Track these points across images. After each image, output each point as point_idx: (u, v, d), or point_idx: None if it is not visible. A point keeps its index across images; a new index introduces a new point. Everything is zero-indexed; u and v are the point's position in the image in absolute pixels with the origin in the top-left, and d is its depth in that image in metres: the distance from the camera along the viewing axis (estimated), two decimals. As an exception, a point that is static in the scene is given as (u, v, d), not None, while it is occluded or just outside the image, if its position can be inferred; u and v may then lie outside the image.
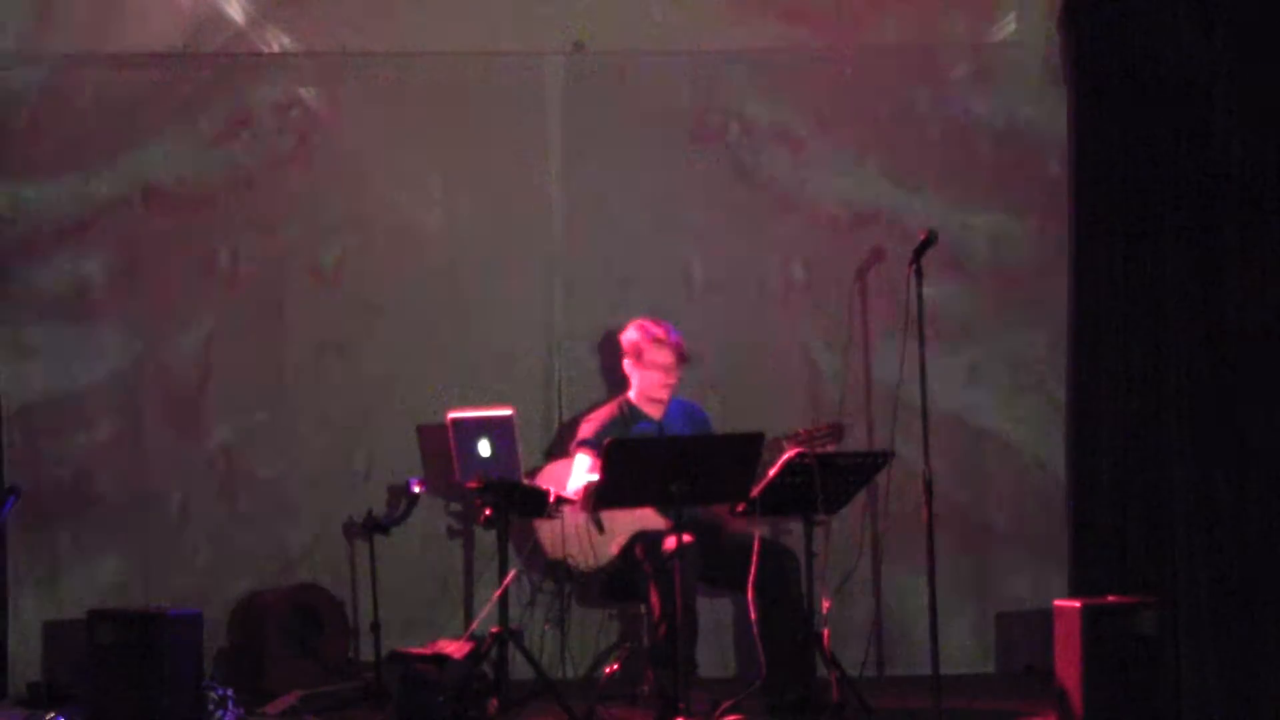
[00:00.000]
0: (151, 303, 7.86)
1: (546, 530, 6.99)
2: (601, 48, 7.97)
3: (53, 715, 6.63)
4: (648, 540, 6.87)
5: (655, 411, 7.24)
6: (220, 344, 7.88)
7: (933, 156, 7.98)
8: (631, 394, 7.28)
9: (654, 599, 6.78)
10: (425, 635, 7.40)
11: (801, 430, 6.89)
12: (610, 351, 7.68)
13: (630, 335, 7.24)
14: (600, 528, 6.98)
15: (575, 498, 6.87)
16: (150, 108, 7.86)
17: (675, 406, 7.30)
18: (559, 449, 7.61)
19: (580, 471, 7.02)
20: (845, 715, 6.64)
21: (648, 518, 6.93)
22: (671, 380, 7.20)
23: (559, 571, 7.15)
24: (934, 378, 6.86)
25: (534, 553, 7.18)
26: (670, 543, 6.49)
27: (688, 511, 6.45)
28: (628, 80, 7.98)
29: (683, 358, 7.20)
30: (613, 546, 6.99)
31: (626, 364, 7.26)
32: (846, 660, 6.92)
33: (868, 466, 6.77)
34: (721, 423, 7.40)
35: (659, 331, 7.19)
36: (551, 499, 6.78)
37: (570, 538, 6.92)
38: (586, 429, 7.22)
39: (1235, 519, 7.51)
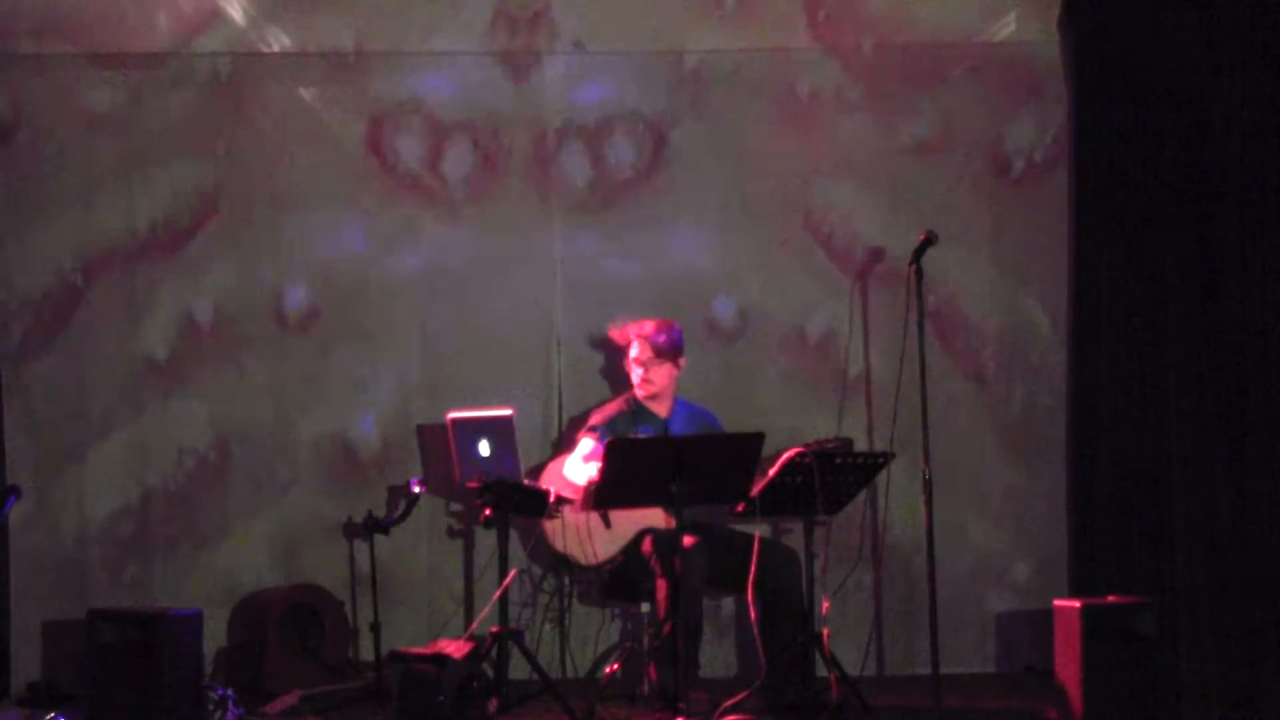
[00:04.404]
0: (151, 301, 7.85)
1: (550, 524, 6.98)
2: (601, 48, 7.97)
3: (53, 715, 6.63)
4: (655, 537, 6.88)
5: (660, 409, 7.23)
6: (220, 340, 7.88)
7: (932, 156, 7.98)
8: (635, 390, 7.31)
9: (659, 596, 6.78)
10: (425, 635, 7.41)
11: (812, 442, 6.86)
12: (610, 351, 7.67)
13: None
14: (607, 522, 6.97)
15: (573, 495, 6.87)
16: (150, 108, 7.86)
17: (684, 409, 7.28)
18: (561, 448, 7.61)
19: (579, 455, 7.03)
20: (845, 715, 6.65)
21: (654, 515, 6.93)
22: (648, 376, 7.17)
23: (563, 565, 7.16)
24: (933, 377, 6.87)
25: (539, 544, 7.19)
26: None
27: (688, 512, 6.46)
28: (627, 80, 7.98)
29: (660, 354, 7.16)
30: (617, 543, 6.99)
31: None
32: (846, 660, 6.93)
33: (868, 466, 6.77)
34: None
35: (632, 327, 7.20)
36: (551, 499, 6.78)
37: (571, 534, 6.92)
38: (595, 418, 7.26)
39: (1235, 519, 7.51)
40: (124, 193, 7.85)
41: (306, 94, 7.94)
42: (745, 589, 6.65)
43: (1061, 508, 7.85)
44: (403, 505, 7.46)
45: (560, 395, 7.91)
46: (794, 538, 7.12)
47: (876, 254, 7.86)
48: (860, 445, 7.60)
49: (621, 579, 7.08)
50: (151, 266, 7.86)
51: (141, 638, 6.57)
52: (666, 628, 6.69)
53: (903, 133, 7.99)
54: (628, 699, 7.02)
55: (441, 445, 7.23)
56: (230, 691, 6.77)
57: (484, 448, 6.87)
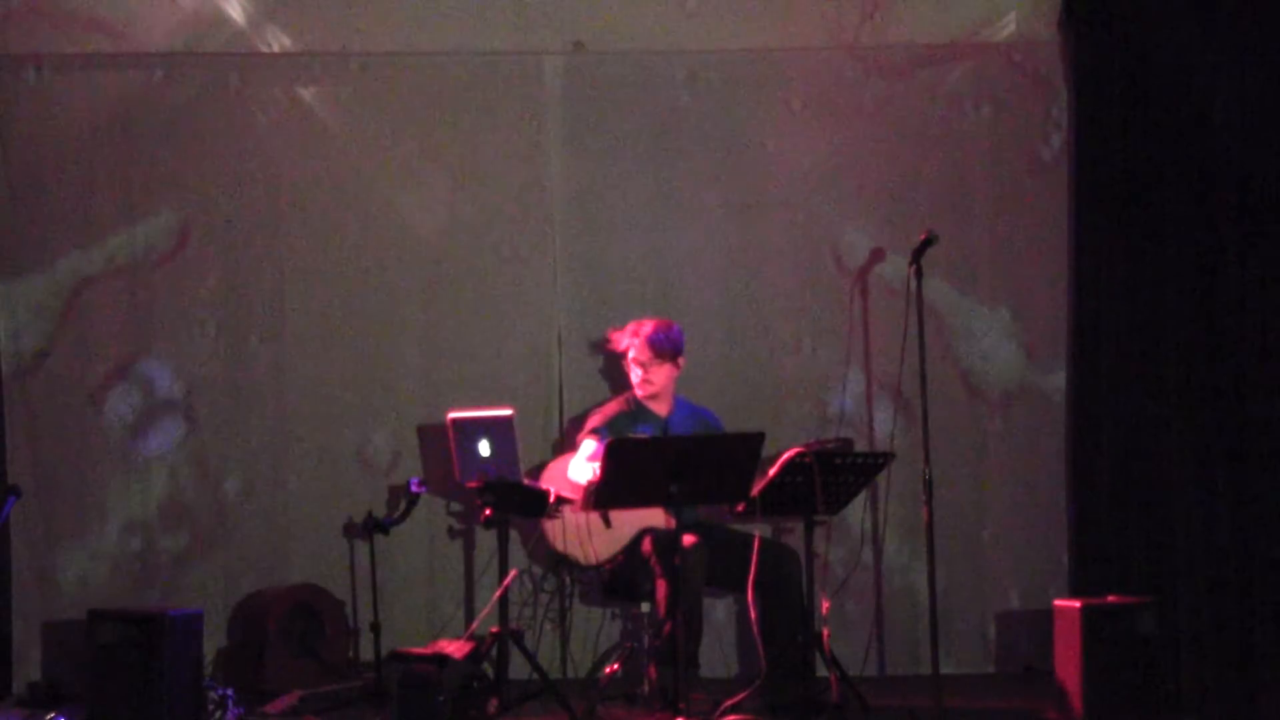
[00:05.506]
0: (151, 301, 7.85)
1: (550, 524, 6.98)
2: (601, 48, 7.97)
3: (53, 715, 6.63)
4: (655, 537, 6.88)
5: (660, 409, 7.24)
6: (220, 342, 7.88)
7: (932, 156, 7.98)
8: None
9: (659, 596, 6.79)
10: (425, 635, 7.41)
11: (812, 441, 6.85)
12: (611, 352, 7.68)
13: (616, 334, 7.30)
14: (607, 522, 6.97)
15: (574, 495, 6.87)
16: (150, 108, 7.86)
17: (684, 409, 7.29)
18: (561, 448, 7.61)
19: (583, 456, 7.02)
20: (845, 715, 6.65)
21: (654, 515, 6.93)
22: (648, 377, 7.17)
23: (563, 565, 7.16)
24: (932, 377, 6.87)
25: (539, 544, 7.18)
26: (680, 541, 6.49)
27: (689, 511, 6.45)
28: (627, 80, 7.98)
29: (660, 354, 7.15)
30: (617, 543, 6.99)
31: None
32: (846, 660, 6.93)
33: (868, 467, 6.77)
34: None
35: (630, 327, 7.20)
36: (551, 499, 6.78)
37: (571, 534, 6.92)
38: (595, 419, 7.25)
39: (1235, 519, 7.51)
40: (124, 194, 7.85)
41: (306, 94, 7.94)
42: (745, 589, 6.65)
43: (1061, 508, 7.85)
44: (403, 505, 7.45)
45: (561, 395, 7.91)
46: (794, 538, 7.12)
47: (877, 254, 7.86)
48: (860, 445, 7.61)
49: (621, 579, 7.07)
50: (152, 268, 7.85)
51: (141, 638, 6.56)
52: (666, 628, 6.69)
53: (902, 132, 7.98)
54: (628, 699, 7.02)
55: (441, 445, 7.22)
56: (230, 691, 6.77)
57: (484, 448, 6.87)
